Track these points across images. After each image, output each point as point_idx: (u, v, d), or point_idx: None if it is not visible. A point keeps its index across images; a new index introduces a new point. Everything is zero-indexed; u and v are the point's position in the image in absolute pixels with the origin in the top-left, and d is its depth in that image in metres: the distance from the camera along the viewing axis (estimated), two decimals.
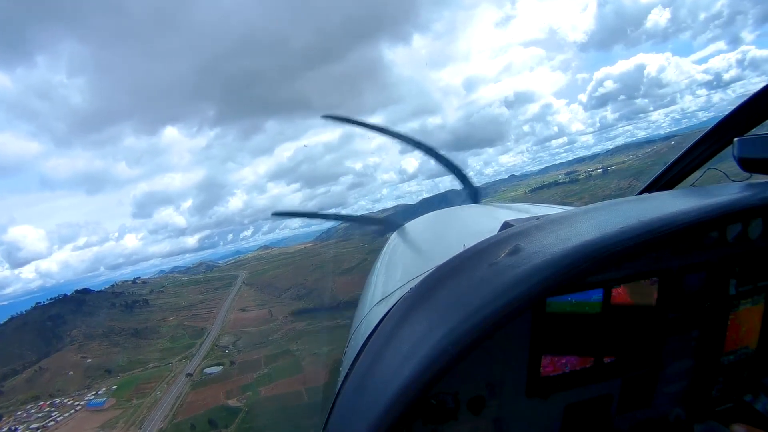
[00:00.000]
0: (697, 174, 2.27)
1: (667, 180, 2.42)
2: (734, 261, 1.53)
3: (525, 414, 1.52)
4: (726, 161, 1.93)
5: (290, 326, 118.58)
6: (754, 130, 1.88)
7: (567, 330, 1.42)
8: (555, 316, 1.38)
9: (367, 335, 1.48)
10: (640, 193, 2.46)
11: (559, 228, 1.25)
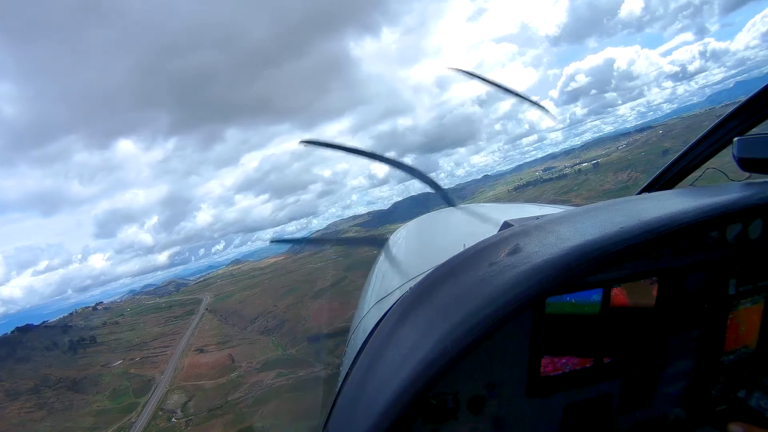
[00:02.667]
0: (696, 173, 2.25)
1: (666, 180, 2.40)
2: (734, 261, 1.53)
3: (525, 414, 1.52)
4: (726, 161, 1.95)
5: (255, 378, 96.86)
6: (754, 129, 1.88)
7: (566, 331, 1.42)
8: (554, 317, 1.38)
9: (367, 335, 1.48)
10: (640, 192, 2.45)
11: (559, 228, 1.25)
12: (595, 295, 1.39)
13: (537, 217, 1.44)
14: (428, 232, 3.63)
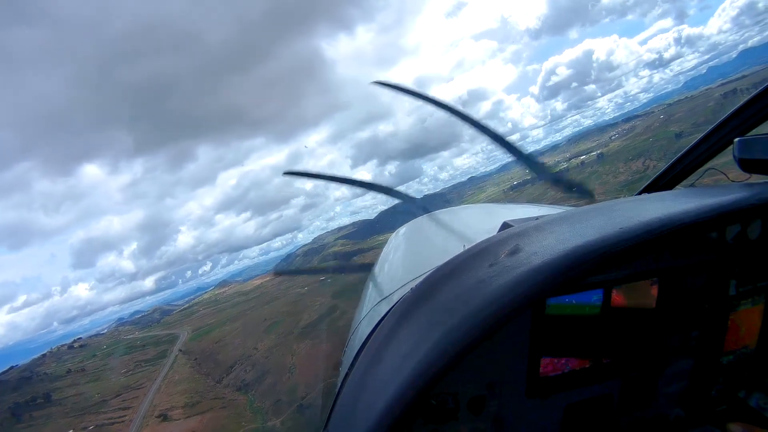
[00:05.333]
0: (697, 174, 2.24)
1: (666, 180, 2.38)
2: (734, 261, 1.54)
3: (525, 414, 1.53)
4: (726, 161, 1.95)
5: None
6: (754, 130, 1.86)
7: (566, 331, 1.43)
8: (554, 318, 1.39)
9: (367, 335, 1.48)
10: (640, 193, 2.44)
11: (558, 228, 1.25)
12: (596, 296, 1.40)
13: (536, 218, 1.43)
14: (428, 232, 3.59)
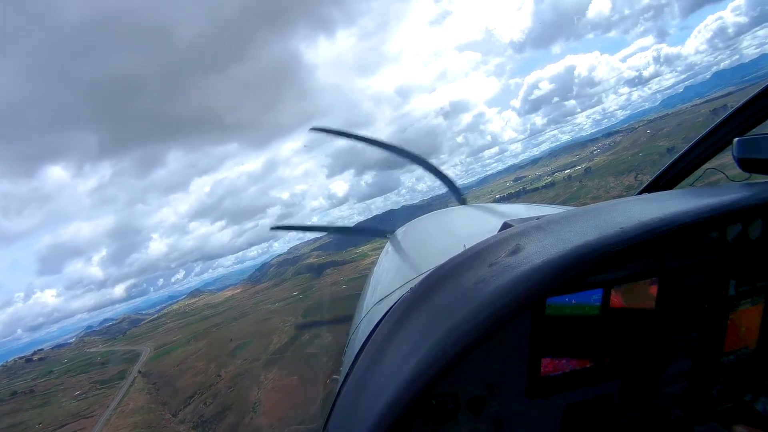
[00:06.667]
0: (696, 174, 2.28)
1: (667, 180, 2.42)
2: (734, 261, 1.54)
3: (525, 414, 1.54)
4: (726, 161, 1.95)
5: None
6: (754, 130, 1.88)
7: (566, 332, 1.45)
8: (554, 318, 1.40)
9: (367, 335, 1.48)
10: (640, 193, 2.47)
11: (559, 228, 1.25)
12: (595, 296, 1.40)
13: (537, 218, 1.44)
14: (428, 232, 3.62)
